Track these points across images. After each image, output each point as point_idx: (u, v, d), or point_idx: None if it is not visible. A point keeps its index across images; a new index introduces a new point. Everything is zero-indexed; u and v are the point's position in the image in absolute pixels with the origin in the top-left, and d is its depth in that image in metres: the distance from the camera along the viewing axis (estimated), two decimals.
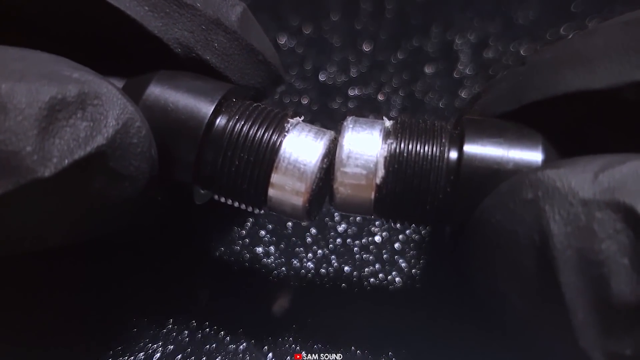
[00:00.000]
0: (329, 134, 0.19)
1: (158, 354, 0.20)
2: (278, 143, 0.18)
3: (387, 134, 0.18)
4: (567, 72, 0.17)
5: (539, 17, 0.32)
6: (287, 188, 0.18)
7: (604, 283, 0.14)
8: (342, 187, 0.18)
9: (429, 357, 0.20)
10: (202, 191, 0.19)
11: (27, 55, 0.17)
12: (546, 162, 0.17)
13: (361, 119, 0.19)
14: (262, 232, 0.23)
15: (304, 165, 0.18)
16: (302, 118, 0.19)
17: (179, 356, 0.20)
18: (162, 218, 0.23)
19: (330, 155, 0.18)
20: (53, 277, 0.21)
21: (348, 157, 0.18)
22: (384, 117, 0.19)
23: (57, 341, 0.20)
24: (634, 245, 0.14)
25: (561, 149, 0.18)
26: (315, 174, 0.18)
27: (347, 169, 0.18)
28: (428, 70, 0.29)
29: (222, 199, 0.19)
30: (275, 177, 0.18)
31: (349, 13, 0.32)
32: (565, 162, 0.16)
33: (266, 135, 0.18)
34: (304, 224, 0.19)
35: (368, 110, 0.28)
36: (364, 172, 0.18)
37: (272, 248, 0.23)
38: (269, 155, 0.18)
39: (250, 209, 0.19)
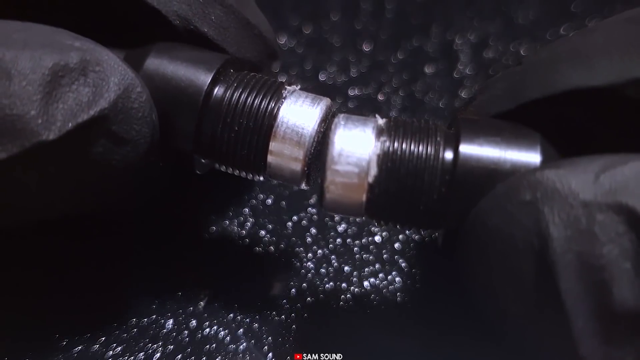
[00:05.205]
0: (326, 100, 0.19)
1: (158, 354, 0.20)
2: (276, 109, 0.18)
3: (380, 132, 0.17)
4: (566, 69, 0.17)
5: (539, 17, 0.32)
6: (286, 152, 0.18)
7: (605, 289, 0.13)
8: (333, 186, 0.17)
9: (429, 357, 0.20)
10: (203, 160, 0.20)
11: (29, 27, 0.17)
12: (545, 162, 0.16)
13: (353, 116, 0.18)
14: (262, 232, 0.23)
15: (302, 129, 0.18)
16: (299, 87, 0.19)
17: (179, 356, 0.20)
18: (165, 197, 0.23)
19: (327, 120, 0.19)
20: (53, 277, 0.21)
21: (339, 155, 0.17)
22: (377, 115, 0.18)
23: (57, 341, 0.20)
24: (636, 249, 0.13)
25: (560, 149, 0.17)
26: (313, 138, 0.18)
27: (339, 167, 0.17)
28: (428, 70, 0.29)
29: (223, 168, 0.20)
30: (273, 143, 0.18)
31: (349, 13, 0.32)
32: (565, 163, 0.15)
33: (264, 102, 0.19)
34: (302, 187, 0.19)
35: (368, 110, 0.28)
36: (356, 170, 0.17)
37: (272, 248, 0.23)
38: (267, 121, 0.18)
39: (250, 176, 0.19)
